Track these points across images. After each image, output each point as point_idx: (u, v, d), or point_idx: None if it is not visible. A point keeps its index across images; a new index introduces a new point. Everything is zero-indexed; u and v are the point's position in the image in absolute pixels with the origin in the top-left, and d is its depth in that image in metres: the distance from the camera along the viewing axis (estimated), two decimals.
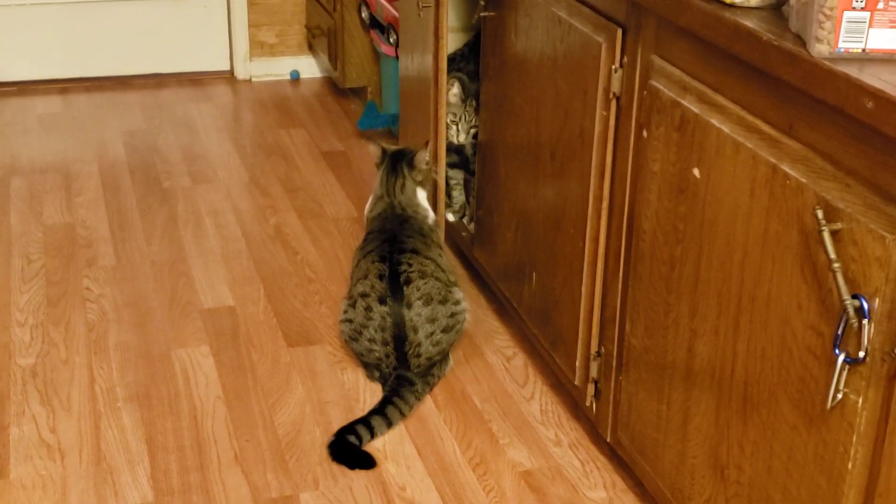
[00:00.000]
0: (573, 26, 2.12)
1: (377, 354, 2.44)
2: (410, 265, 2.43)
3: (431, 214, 2.64)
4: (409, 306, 2.40)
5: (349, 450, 2.26)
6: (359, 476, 2.22)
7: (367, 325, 2.43)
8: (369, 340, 2.44)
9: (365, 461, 2.25)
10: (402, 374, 2.42)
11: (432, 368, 2.47)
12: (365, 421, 2.32)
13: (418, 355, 2.42)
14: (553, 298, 2.36)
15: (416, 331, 2.40)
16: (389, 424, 2.34)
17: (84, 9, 4.31)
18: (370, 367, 2.52)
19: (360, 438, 2.29)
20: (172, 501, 2.16)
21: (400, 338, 2.40)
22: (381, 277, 2.43)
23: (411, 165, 2.60)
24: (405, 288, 2.40)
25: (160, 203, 3.39)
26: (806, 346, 1.52)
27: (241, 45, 4.46)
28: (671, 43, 1.81)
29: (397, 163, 2.61)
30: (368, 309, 2.43)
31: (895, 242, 1.34)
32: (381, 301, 2.41)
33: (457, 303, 2.49)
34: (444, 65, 2.73)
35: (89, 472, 2.23)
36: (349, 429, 2.30)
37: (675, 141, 1.80)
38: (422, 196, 2.62)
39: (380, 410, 2.35)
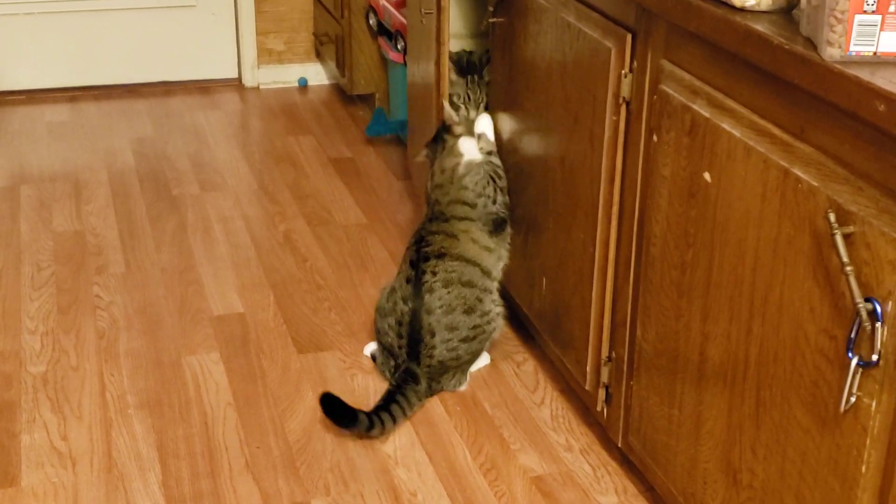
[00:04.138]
0: (582, 31, 2.12)
1: (390, 340, 2.46)
2: (435, 273, 2.42)
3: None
4: (430, 312, 2.41)
5: (342, 408, 2.30)
6: (370, 482, 2.23)
7: (391, 314, 2.46)
8: (388, 326, 2.47)
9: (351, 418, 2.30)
10: (411, 369, 2.42)
11: (444, 376, 2.47)
12: (374, 414, 2.33)
13: (431, 356, 2.42)
14: (563, 303, 2.36)
15: (432, 335, 2.41)
16: (394, 422, 2.35)
17: (92, 17, 4.32)
18: (382, 352, 2.52)
19: (371, 426, 2.31)
20: None
21: (415, 337, 2.41)
22: (407, 281, 2.45)
23: (447, 129, 2.59)
24: (427, 296, 2.41)
25: (169, 210, 3.40)
26: (819, 350, 1.51)
27: (249, 52, 4.47)
28: (681, 47, 1.81)
29: (440, 130, 2.64)
30: (395, 303, 2.46)
31: None
32: (405, 301, 2.43)
33: (484, 314, 2.46)
34: (445, 71, 2.72)
35: (101, 480, 2.23)
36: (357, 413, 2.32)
37: (685, 145, 1.80)
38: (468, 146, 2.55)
39: (384, 407, 2.35)
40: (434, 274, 2.42)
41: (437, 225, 2.49)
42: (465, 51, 2.77)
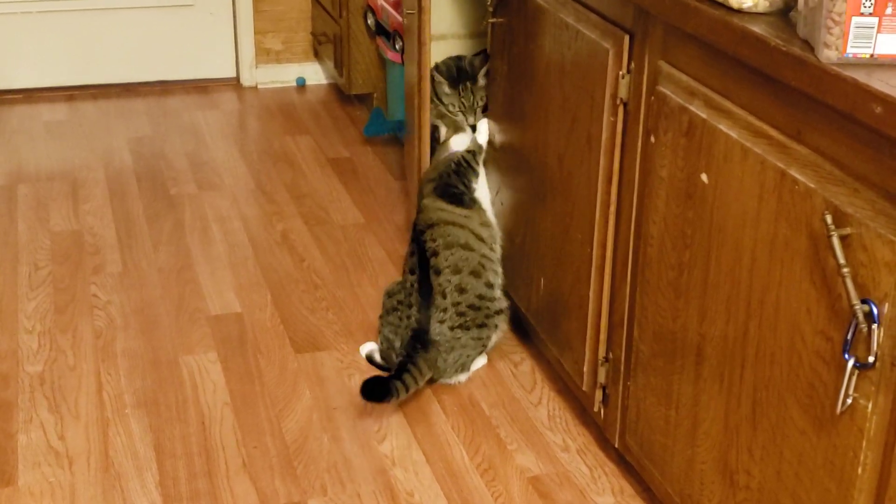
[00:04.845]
0: (581, 32, 2.12)
1: (399, 315, 2.50)
2: (434, 240, 2.51)
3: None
4: (438, 273, 2.48)
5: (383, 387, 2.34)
6: (367, 482, 2.23)
7: (400, 293, 2.53)
8: (398, 301, 2.52)
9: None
10: (420, 334, 2.45)
11: (451, 354, 2.48)
12: (392, 381, 2.37)
13: (441, 321, 2.46)
14: (561, 304, 2.36)
15: (444, 296, 2.47)
16: (407, 391, 2.38)
17: (90, 16, 4.32)
18: (384, 339, 2.54)
19: (396, 391, 2.36)
20: None
21: (426, 300, 2.46)
22: (412, 254, 2.55)
23: (436, 138, 2.72)
24: (432, 259, 2.49)
25: (167, 210, 3.40)
26: (815, 351, 1.52)
27: (247, 52, 4.47)
28: (679, 49, 1.82)
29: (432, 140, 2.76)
30: (404, 281, 2.54)
31: None
32: (412, 272, 2.51)
33: (490, 285, 2.53)
34: (426, 72, 2.71)
35: (97, 479, 2.23)
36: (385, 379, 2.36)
37: (682, 146, 1.80)
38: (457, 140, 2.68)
39: (397, 377, 2.38)
40: (434, 241, 2.51)
41: (419, 209, 2.62)
42: (452, 57, 2.75)
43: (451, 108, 2.68)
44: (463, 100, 2.67)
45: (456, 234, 2.52)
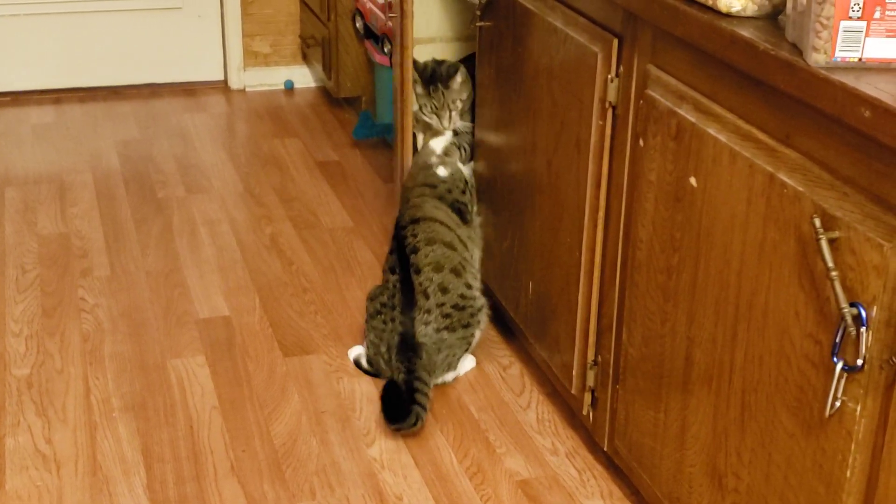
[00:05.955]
0: (569, 36, 2.12)
1: (383, 318, 2.49)
2: (416, 235, 2.50)
3: (441, 170, 2.65)
4: (419, 271, 2.46)
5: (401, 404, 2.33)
6: (355, 486, 2.22)
7: (382, 294, 2.51)
8: (381, 304, 2.50)
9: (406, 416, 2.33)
10: (408, 339, 2.43)
11: (438, 355, 2.46)
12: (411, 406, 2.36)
13: (426, 323, 2.45)
14: (550, 307, 2.36)
15: (426, 297, 2.45)
16: (425, 410, 2.37)
17: (78, 19, 4.31)
18: (371, 343, 2.53)
19: (419, 417, 2.35)
20: None
21: (409, 302, 2.45)
22: (391, 252, 2.53)
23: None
24: (412, 257, 2.47)
25: (155, 213, 3.39)
26: (804, 354, 1.52)
27: (236, 54, 4.46)
28: (667, 52, 1.82)
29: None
30: (386, 281, 2.53)
31: (893, 250, 1.35)
32: (392, 271, 2.50)
33: (469, 286, 2.52)
34: (409, 75, 2.71)
35: (85, 483, 2.22)
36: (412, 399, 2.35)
37: (671, 150, 1.80)
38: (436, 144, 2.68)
39: (412, 400, 2.35)
40: (415, 236, 2.50)
41: (405, 206, 2.60)
42: (434, 60, 2.74)
43: (424, 108, 2.66)
44: (434, 101, 2.64)
45: (440, 231, 2.52)
